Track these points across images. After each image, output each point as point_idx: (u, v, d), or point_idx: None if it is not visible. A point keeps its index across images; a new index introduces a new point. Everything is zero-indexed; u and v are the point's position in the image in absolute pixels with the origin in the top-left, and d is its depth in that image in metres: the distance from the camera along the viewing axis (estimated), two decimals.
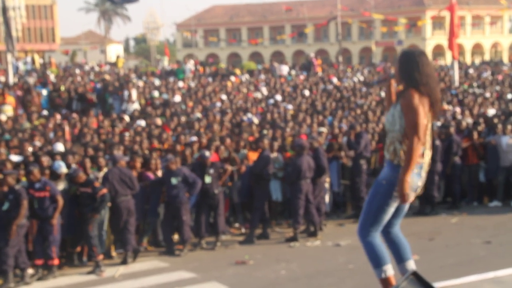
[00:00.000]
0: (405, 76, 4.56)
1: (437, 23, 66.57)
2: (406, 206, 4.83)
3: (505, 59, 63.58)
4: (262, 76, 32.67)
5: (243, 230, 13.03)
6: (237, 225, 13.55)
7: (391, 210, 4.64)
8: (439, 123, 15.03)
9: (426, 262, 9.86)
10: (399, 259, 4.85)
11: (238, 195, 13.17)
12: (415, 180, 4.52)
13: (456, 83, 25.86)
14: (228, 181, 12.95)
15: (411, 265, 4.76)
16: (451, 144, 14.18)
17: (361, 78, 32.22)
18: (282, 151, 13.74)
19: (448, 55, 47.69)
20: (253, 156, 13.20)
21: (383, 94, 25.61)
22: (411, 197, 4.57)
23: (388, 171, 4.60)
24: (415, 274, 3.85)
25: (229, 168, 12.73)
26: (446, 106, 19.14)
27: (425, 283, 3.89)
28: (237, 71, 34.41)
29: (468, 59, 65.95)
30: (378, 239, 4.74)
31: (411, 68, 4.53)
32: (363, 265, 10.46)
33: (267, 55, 73.68)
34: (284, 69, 35.01)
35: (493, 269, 5.81)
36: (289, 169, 12.67)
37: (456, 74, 26.27)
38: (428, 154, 4.63)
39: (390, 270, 4.67)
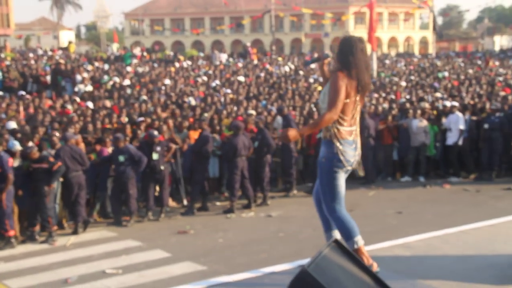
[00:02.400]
0: (341, 58, 4.55)
1: (359, 18, 67.36)
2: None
3: (416, 52, 64.97)
4: (203, 63, 32.47)
5: (185, 203, 12.97)
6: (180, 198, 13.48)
7: (341, 182, 4.60)
8: None
9: None
10: (328, 227, 4.87)
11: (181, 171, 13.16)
12: (350, 154, 4.51)
13: (374, 73, 26.23)
14: (172, 157, 12.90)
15: (337, 233, 4.79)
16: (363, 128, 14.39)
17: (292, 66, 32.33)
18: (220, 131, 13.74)
19: (368, 47, 48.28)
20: (194, 135, 13.14)
21: (311, 80, 25.84)
22: (345, 169, 4.54)
23: (324, 149, 4.57)
24: (336, 242, 3.88)
25: (173, 146, 12.65)
26: None
27: (345, 249, 3.93)
28: (181, 58, 34.09)
29: (385, 51, 67.00)
30: (345, 213, 4.67)
31: (347, 51, 4.52)
32: (292, 233, 10.69)
33: (208, 44, 73.18)
34: (223, 57, 34.87)
35: (404, 236, 5.93)
36: (226, 148, 12.68)
37: (375, 64, 26.63)
38: (358, 133, 4.62)
39: (360, 241, 4.62)
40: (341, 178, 4.59)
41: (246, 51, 37.29)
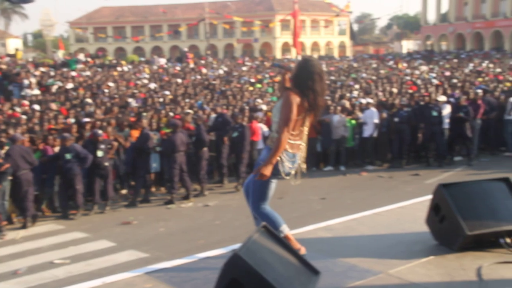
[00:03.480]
0: (299, 81, 4.35)
1: (285, 25, 67.80)
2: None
3: (336, 55, 66.01)
4: (144, 67, 32.00)
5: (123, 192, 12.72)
6: (123, 191, 13.25)
7: (273, 186, 4.56)
8: None
9: None
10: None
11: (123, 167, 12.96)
12: (288, 165, 4.41)
13: None
14: (115, 155, 12.67)
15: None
16: None
17: (225, 69, 32.28)
18: (160, 129, 13.57)
19: (294, 51, 48.72)
20: (135, 133, 12.92)
21: (242, 81, 25.87)
22: (281, 178, 4.48)
23: (265, 153, 4.49)
24: (265, 227, 3.87)
25: (115, 143, 12.43)
26: None
27: (273, 234, 3.93)
28: (123, 63, 33.49)
29: (308, 54, 67.74)
30: (268, 208, 4.62)
31: (306, 76, 4.33)
32: (228, 221, 10.66)
33: (148, 49, 72.18)
34: (162, 61, 34.50)
35: (326, 219, 5.97)
36: (166, 144, 12.53)
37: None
38: (303, 148, 4.53)
39: (286, 229, 4.57)
40: (274, 183, 4.56)
41: (183, 55, 36.96)
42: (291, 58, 43.09)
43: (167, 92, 20.65)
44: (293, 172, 4.49)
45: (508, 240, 4.57)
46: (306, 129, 4.50)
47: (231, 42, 73.34)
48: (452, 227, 4.57)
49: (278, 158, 4.35)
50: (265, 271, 3.32)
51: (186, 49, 41.01)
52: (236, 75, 28.58)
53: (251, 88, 23.06)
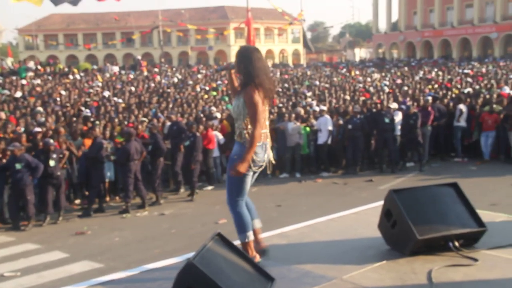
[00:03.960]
0: (242, 69, 4.44)
1: (239, 33, 68.17)
2: (255, 177, 4.74)
3: (290, 63, 66.63)
4: (97, 75, 31.55)
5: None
6: (77, 201, 13.02)
7: (248, 180, 4.55)
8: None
9: (232, 224, 10.11)
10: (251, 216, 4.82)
11: (77, 176, 12.75)
12: (261, 156, 4.47)
13: None
14: (67, 164, 12.46)
15: (257, 223, 4.76)
16: None
17: (180, 77, 32.15)
18: (113, 138, 13.41)
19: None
20: (88, 142, 12.73)
21: (198, 89, 25.82)
22: (258, 169, 4.52)
23: (237, 148, 4.53)
24: (219, 235, 3.88)
25: (66, 153, 12.23)
26: None
27: (228, 242, 3.94)
28: (75, 71, 32.94)
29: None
30: (244, 208, 4.61)
31: (246, 63, 4.40)
32: (183, 229, 10.61)
33: (101, 57, 71.27)
34: (115, 69, 34.11)
35: (282, 226, 6.01)
36: (120, 153, 12.39)
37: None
38: (268, 135, 4.58)
39: (251, 236, 4.58)
40: (249, 177, 4.55)
41: (137, 63, 36.63)
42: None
43: (120, 100, 20.43)
44: (266, 160, 4.55)
45: (456, 243, 4.70)
46: (267, 117, 4.57)
47: (186, 50, 73.17)
48: (403, 232, 4.67)
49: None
50: (219, 278, 3.33)
51: (139, 57, 40.64)
52: (191, 83, 28.50)
53: (206, 96, 23.03)
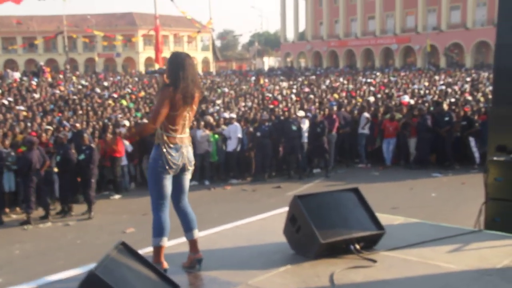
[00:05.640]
0: (170, 73, 4.47)
1: (147, 40, 67.32)
2: (187, 183, 4.77)
3: (200, 70, 66.60)
4: None
5: None
6: None
7: (167, 183, 4.53)
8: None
9: (140, 232, 9.98)
10: (187, 228, 4.72)
11: None
12: (175, 158, 4.48)
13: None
14: None
15: (196, 233, 4.72)
16: None
17: (85, 84, 31.32)
18: (15, 147, 12.83)
19: (157, 66, 48.40)
20: None
21: (105, 96, 25.24)
22: (174, 172, 4.52)
23: (153, 151, 4.52)
24: (123, 244, 3.82)
25: None
26: None
27: (132, 251, 3.89)
28: None
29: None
30: (166, 214, 4.56)
31: (176, 68, 4.45)
32: (89, 240, 10.32)
33: (0, 63, 68.03)
34: (16, 75, 32.72)
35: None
36: (21, 162, 11.88)
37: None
38: (188, 140, 4.60)
39: (164, 242, 4.53)
40: (167, 179, 4.54)
41: (40, 70, 35.30)
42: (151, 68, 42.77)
43: (21, 108, 19.62)
44: (182, 163, 4.57)
45: (357, 246, 4.89)
46: (188, 123, 4.60)
47: (92, 56, 71.29)
48: (307, 237, 4.80)
49: (164, 154, 4.44)
50: None
51: (42, 63, 39.23)
52: (98, 91, 27.84)
53: (112, 104, 22.56)
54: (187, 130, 4.64)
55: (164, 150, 4.46)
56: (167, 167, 4.48)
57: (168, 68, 4.55)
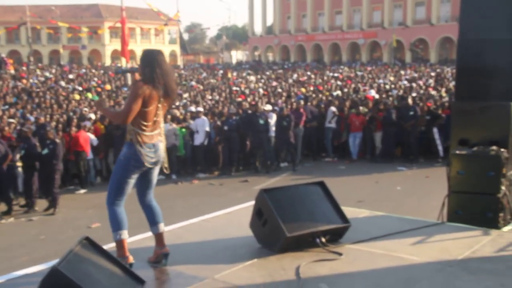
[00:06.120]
0: (147, 72, 4.42)
1: (114, 32, 66.46)
2: (155, 178, 4.72)
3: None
4: None
5: None
6: None
7: (131, 181, 4.50)
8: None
9: (105, 227, 9.83)
10: (152, 222, 4.71)
11: None
12: (149, 155, 4.44)
13: (129, 81, 26.05)
14: None
15: (162, 227, 4.69)
16: None
17: (50, 76, 30.80)
18: None
19: (123, 60, 47.94)
20: None
21: (69, 89, 24.86)
22: (142, 169, 4.49)
23: (125, 149, 4.46)
24: (87, 239, 3.78)
25: None
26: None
27: (97, 246, 3.85)
28: None
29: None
30: (121, 207, 4.55)
31: (147, 64, 4.43)
32: (53, 235, 10.17)
33: None
34: None
35: None
36: None
37: (129, 79, 26.45)
38: (162, 137, 4.57)
39: (125, 234, 4.50)
40: (134, 178, 4.53)
41: (2, 61, 34.56)
42: (121, 66, 42.28)
43: None
44: (155, 160, 4.53)
45: (323, 239, 4.93)
46: (161, 118, 4.58)
47: (57, 48, 70.08)
48: (273, 230, 4.82)
49: (137, 151, 4.40)
50: (86, 284, 3.25)
51: (3, 55, 38.42)
52: (62, 84, 27.41)
53: (77, 97, 22.24)
54: (161, 125, 4.61)
55: (139, 148, 4.42)
56: (140, 165, 4.46)
57: (143, 66, 4.51)
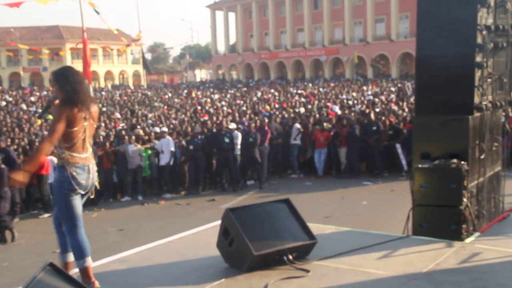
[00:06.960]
0: (65, 92, 4.32)
1: (75, 53, 65.73)
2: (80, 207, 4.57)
3: (131, 84, 65.79)
4: None
5: None
6: None
7: (76, 203, 4.39)
8: None
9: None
10: (64, 249, 4.61)
11: None
12: (82, 177, 4.35)
13: None
14: None
15: (71, 256, 4.58)
16: None
17: (10, 99, 30.31)
18: None
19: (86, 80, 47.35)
20: None
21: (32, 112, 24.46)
22: (84, 191, 4.41)
23: (57, 173, 4.40)
24: (51, 265, 3.70)
25: None
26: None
27: (61, 271, 3.77)
28: None
29: (102, 84, 66.62)
30: (81, 233, 4.44)
31: (65, 83, 4.33)
32: (17, 261, 9.93)
33: None
34: None
35: (123, 251, 5.88)
36: None
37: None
38: (92, 157, 4.48)
39: (89, 261, 4.42)
40: (76, 200, 4.42)
41: None
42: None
43: None
44: (90, 183, 4.46)
45: (290, 256, 4.95)
46: (88, 139, 4.48)
47: (17, 71, 69.01)
48: (240, 249, 4.82)
49: (69, 174, 4.31)
50: None
51: None
52: (23, 106, 26.99)
53: (39, 122, 21.89)
54: (89, 148, 4.51)
55: (70, 170, 4.33)
56: (74, 188, 4.36)
57: (61, 84, 4.41)
